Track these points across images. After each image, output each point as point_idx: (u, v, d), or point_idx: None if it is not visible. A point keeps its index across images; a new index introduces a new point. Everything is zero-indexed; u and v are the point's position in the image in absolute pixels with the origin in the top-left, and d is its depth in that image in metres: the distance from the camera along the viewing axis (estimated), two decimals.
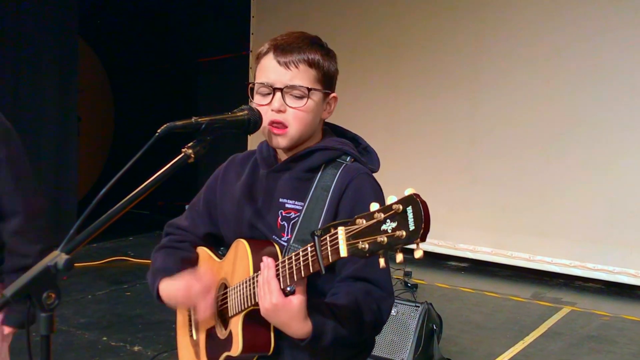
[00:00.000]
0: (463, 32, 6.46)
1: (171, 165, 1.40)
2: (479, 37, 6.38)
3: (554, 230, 6.00)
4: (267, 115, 1.58)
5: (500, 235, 6.28)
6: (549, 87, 6.01)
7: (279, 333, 1.58)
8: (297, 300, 1.42)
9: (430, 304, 3.85)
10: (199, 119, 1.44)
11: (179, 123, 1.41)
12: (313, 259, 1.32)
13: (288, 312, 1.43)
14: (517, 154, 6.19)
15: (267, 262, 1.45)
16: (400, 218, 1.15)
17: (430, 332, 3.79)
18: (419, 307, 3.74)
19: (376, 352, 3.62)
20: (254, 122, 1.54)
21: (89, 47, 8.51)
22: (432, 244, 6.48)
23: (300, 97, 1.58)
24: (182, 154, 1.41)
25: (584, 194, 5.85)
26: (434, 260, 6.51)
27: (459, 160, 6.52)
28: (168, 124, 1.38)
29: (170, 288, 1.70)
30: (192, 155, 1.41)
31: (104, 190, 1.26)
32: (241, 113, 1.53)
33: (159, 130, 1.36)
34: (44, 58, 6.62)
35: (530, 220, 6.13)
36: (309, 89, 1.58)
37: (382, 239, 1.17)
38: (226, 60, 7.93)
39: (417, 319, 3.71)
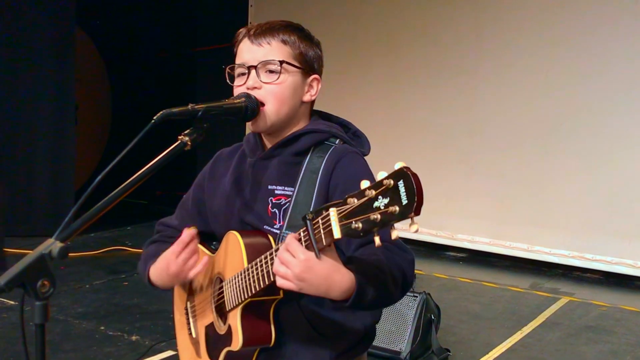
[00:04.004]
0: (462, 23, 6.43)
1: (167, 152, 1.38)
2: (478, 29, 6.35)
3: (553, 221, 6.00)
4: None
5: (498, 225, 6.28)
6: (548, 78, 5.99)
7: (279, 324, 1.57)
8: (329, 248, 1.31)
9: (429, 294, 3.85)
10: (196, 106, 1.43)
11: (175, 110, 1.39)
12: (307, 243, 1.30)
13: (324, 263, 1.31)
14: (516, 144, 6.18)
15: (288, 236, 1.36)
16: (392, 193, 1.12)
17: (428, 322, 3.79)
18: (417, 297, 3.73)
19: (374, 342, 3.63)
20: (251, 109, 1.53)
21: (86, 35, 8.47)
22: (430, 234, 6.48)
23: (274, 72, 1.57)
24: (179, 142, 1.40)
25: (582, 184, 5.84)
26: (432, 250, 6.51)
27: (457, 151, 6.51)
28: (164, 110, 1.37)
29: (157, 266, 1.68)
30: (189, 143, 1.40)
31: (99, 177, 1.25)
32: (238, 100, 1.52)
33: (155, 117, 1.35)
34: (41, 46, 6.59)
35: (528, 210, 6.12)
36: (282, 62, 1.56)
37: (375, 217, 1.13)
38: (224, 49, 7.87)
39: (415, 309, 3.70)
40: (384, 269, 1.42)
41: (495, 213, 6.31)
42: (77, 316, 4.38)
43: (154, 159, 1.37)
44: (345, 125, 1.70)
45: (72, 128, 6.92)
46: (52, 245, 1.19)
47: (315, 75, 1.65)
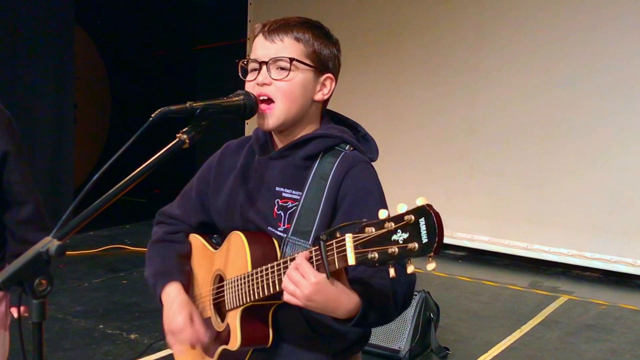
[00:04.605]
0: (463, 21, 6.43)
1: (165, 150, 1.37)
2: (479, 27, 6.34)
3: (552, 219, 5.99)
4: (254, 91, 1.55)
5: (498, 224, 6.27)
6: (548, 76, 5.99)
7: (277, 323, 1.57)
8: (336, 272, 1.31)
9: (428, 292, 3.85)
10: (194, 104, 1.42)
11: (173, 108, 1.39)
12: (318, 263, 1.30)
13: (333, 286, 1.32)
14: (516, 142, 6.17)
15: (300, 254, 1.36)
16: (412, 229, 1.13)
17: (427, 320, 3.79)
18: (416, 295, 3.73)
19: (373, 340, 3.63)
20: (250, 107, 1.52)
21: (85, 34, 8.46)
22: None
23: (285, 69, 1.55)
24: (177, 140, 1.39)
25: (582, 183, 5.84)
26: None
27: (457, 149, 6.50)
28: (162, 108, 1.36)
29: (168, 313, 1.67)
30: (187, 141, 1.39)
31: (96, 176, 1.24)
32: (237, 98, 1.51)
33: (153, 115, 1.34)
34: (40, 44, 6.58)
35: (528, 209, 6.12)
36: (292, 59, 1.54)
37: (393, 250, 1.14)
38: (223, 47, 7.89)
39: (414, 307, 3.70)
40: (388, 293, 1.43)
41: (494, 211, 6.30)
42: (76, 314, 4.38)
43: (151, 157, 1.36)
44: (355, 128, 1.69)
45: (71, 127, 6.91)
46: (50, 243, 1.18)
47: (329, 74, 1.61)
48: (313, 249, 1.32)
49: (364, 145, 1.65)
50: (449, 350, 3.89)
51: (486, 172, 6.35)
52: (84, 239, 6.27)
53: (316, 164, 1.58)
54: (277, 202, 1.59)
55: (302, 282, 1.31)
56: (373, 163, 1.64)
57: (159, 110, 1.36)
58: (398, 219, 1.15)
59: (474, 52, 6.36)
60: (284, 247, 1.53)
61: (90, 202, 1.27)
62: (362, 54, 6.89)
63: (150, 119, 1.34)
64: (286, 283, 1.34)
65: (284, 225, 1.57)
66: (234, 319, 1.56)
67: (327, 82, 1.62)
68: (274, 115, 1.56)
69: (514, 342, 4.16)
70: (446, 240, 6.57)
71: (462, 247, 6.51)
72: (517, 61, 6.13)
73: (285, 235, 1.55)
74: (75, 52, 6.97)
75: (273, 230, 1.58)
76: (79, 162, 7.39)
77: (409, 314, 3.69)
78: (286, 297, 1.36)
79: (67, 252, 1.21)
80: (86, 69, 8.34)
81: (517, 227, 6.15)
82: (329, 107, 1.70)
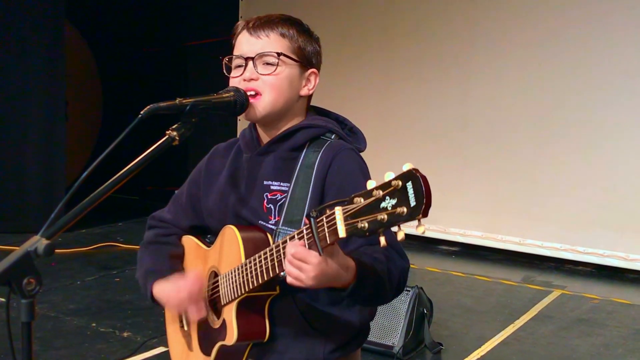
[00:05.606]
0: (455, 16, 6.42)
1: (155, 147, 1.37)
2: (471, 22, 6.34)
3: (545, 214, 6.00)
4: (241, 86, 1.56)
5: (491, 219, 6.28)
6: (541, 71, 5.99)
7: (273, 318, 1.57)
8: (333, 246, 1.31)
9: (421, 288, 3.85)
10: (183, 101, 1.41)
11: (162, 104, 1.38)
12: (310, 241, 1.29)
13: (334, 263, 1.31)
14: (509, 138, 6.18)
15: (290, 242, 1.35)
16: (400, 194, 1.12)
17: (421, 316, 3.79)
18: (409, 291, 3.73)
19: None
20: (241, 103, 1.51)
21: (76, 31, 8.41)
22: None
23: (272, 64, 1.56)
24: (166, 136, 1.38)
25: (574, 177, 5.85)
26: (425, 244, 6.51)
27: (450, 144, 6.50)
28: (151, 105, 1.35)
29: (162, 293, 1.68)
30: (177, 138, 1.38)
31: (84, 174, 1.24)
32: (227, 94, 1.51)
33: (142, 112, 1.33)
34: (31, 42, 6.54)
35: (520, 204, 6.13)
36: (279, 54, 1.56)
37: (382, 217, 1.13)
38: (215, 43, 7.84)
39: (407, 303, 3.70)
40: (384, 269, 1.43)
41: (487, 206, 6.31)
42: (69, 313, 4.36)
43: (141, 154, 1.35)
44: (341, 122, 1.70)
45: (63, 124, 6.87)
46: (38, 242, 1.17)
47: (313, 70, 1.64)
48: (304, 227, 1.30)
49: (351, 137, 1.67)
50: (442, 346, 3.89)
51: (479, 167, 6.35)
52: (76, 237, 6.24)
53: (303, 154, 1.59)
54: (266, 196, 1.60)
55: (305, 266, 1.30)
56: (362, 154, 1.66)
57: (148, 107, 1.35)
58: (385, 186, 1.14)
59: (467, 48, 6.36)
60: (276, 239, 1.54)
61: (82, 199, 1.26)
62: (354, 50, 6.88)
63: (139, 115, 1.33)
64: (288, 268, 1.33)
65: (274, 218, 1.58)
66: (229, 313, 1.55)
67: (312, 78, 1.64)
68: (261, 106, 1.57)
69: (507, 337, 4.16)
70: (439, 235, 6.61)
71: (455, 242, 6.52)
72: (510, 57, 6.13)
73: (276, 227, 1.55)
74: (66, 49, 6.93)
75: (264, 224, 1.59)
76: (71, 160, 7.35)
77: (403, 309, 3.69)
78: (289, 280, 1.34)
79: (60, 250, 1.20)
80: (77, 66, 8.29)
81: (510, 222, 6.16)
82: (317, 103, 1.72)
